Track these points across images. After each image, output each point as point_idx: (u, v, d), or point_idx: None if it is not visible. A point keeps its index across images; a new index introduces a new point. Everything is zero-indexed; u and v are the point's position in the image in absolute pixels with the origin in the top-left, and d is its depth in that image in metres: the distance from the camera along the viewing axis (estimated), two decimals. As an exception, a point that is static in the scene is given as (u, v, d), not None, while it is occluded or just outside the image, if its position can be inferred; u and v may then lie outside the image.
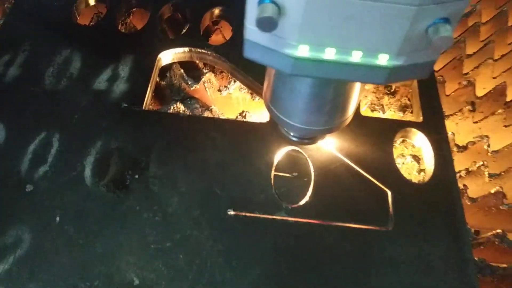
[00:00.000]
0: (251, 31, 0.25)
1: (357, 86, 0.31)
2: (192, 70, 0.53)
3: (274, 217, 0.38)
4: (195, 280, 0.36)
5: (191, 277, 0.36)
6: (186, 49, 0.49)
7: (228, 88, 0.54)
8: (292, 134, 0.37)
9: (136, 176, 0.40)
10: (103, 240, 0.37)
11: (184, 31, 0.51)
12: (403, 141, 0.48)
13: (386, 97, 0.53)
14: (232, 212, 0.38)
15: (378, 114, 0.53)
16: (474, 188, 0.47)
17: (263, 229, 0.38)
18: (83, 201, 0.38)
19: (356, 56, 0.24)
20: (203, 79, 0.51)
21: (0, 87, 0.45)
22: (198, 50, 0.49)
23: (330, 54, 0.24)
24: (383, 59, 0.24)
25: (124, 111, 0.44)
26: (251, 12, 0.23)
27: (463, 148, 0.49)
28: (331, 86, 0.30)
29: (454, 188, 0.42)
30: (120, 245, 0.36)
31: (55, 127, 0.43)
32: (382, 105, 0.52)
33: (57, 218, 0.37)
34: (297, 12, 0.22)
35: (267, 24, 0.22)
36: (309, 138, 0.38)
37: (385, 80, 0.25)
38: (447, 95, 0.53)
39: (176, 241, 0.37)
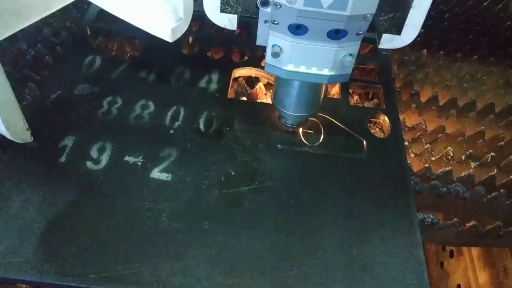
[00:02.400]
0: (268, 58, 0.59)
1: (319, 87, 0.66)
2: (249, 82, 0.88)
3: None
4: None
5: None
6: (248, 68, 0.85)
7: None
8: (285, 120, 0.72)
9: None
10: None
11: (246, 58, 0.88)
12: (375, 120, 0.82)
13: (366, 102, 0.88)
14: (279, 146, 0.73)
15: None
16: (416, 148, 0.81)
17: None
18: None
19: (314, 70, 0.59)
20: (256, 87, 0.86)
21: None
22: (255, 69, 0.85)
23: (302, 68, 0.59)
24: (325, 71, 0.59)
25: (217, 98, 0.79)
26: (268, 50, 0.58)
27: (410, 128, 0.84)
28: (304, 85, 0.65)
29: (401, 143, 0.76)
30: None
31: (185, 104, 0.77)
32: (364, 105, 0.87)
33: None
34: (287, 51, 0.57)
35: (275, 56, 0.57)
36: (297, 123, 0.72)
37: (327, 81, 0.59)
38: (403, 101, 0.88)
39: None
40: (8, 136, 0.63)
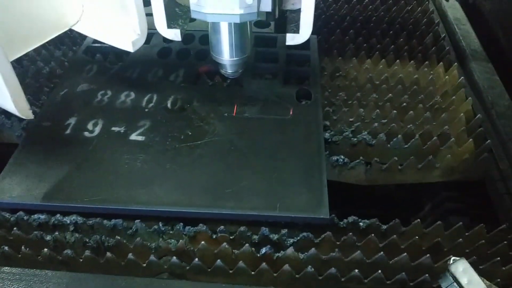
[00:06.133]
0: (192, 5, 0.80)
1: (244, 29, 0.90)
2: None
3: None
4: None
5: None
6: (207, 66, 1.13)
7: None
8: (224, 69, 0.96)
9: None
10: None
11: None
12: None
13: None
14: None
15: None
16: (336, 113, 1.05)
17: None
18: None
19: (227, 10, 0.78)
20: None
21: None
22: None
23: (219, 10, 0.79)
24: (236, 11, 0.79)
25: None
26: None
27: (334, 100, 1.08)
28: (230, 27, 0.87)
29: (319, 108, 1.00)
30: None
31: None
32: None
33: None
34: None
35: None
36: (235, 70, 0.97)
37: (239, 19, 0.79)
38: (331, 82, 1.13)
39: (203, 123, 0.96)
40: (17, 113, 0.87)
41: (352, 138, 0.98)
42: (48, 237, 0.80)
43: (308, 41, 1.17)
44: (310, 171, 0.86)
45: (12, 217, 0.83)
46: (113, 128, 0.95)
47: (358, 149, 0.99)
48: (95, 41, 1.20)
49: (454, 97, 1.06)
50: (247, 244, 0.77)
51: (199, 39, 1.21)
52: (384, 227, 0.83)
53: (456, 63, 1.17)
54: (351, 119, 1.03)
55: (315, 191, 0.83)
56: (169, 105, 1.01)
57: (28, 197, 0.82)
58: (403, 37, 1.27)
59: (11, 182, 0.84)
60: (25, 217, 0.82)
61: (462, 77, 1.11)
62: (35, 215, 0.82)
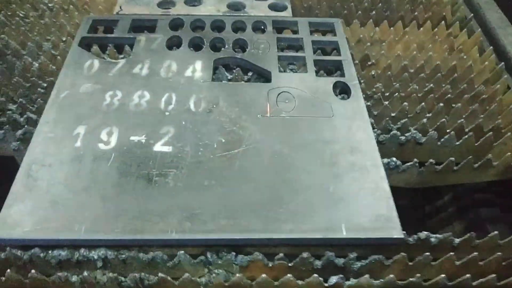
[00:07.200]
0: None
1: None
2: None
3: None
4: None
5: (246, 139, 0.82)
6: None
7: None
8: None
9: (214, 107, 0.87)
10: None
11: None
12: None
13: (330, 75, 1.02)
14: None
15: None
16: (377, 108, 0.94)
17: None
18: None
19: None
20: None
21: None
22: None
23: None
24: None
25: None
26: None
27: (371, 93, 0.97)
28: None
29: (362, 103, 0.89)
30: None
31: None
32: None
33: (182, 123, 0.84)
34: None
35: None
36: None
37: None
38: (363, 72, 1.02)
39: (237, 128, 0.83)
40: None
41: (400, 137, 0.89)
42: (74, 278, 0.66)
43: (332, 24, 1.07)
44: (371, 181, 0.76)
45: (25, 254, 0.68)
46: (132, 138, 0.81)
47: (406, 149, 0.90)
48: (90, 31, 1.03)
49: (498, 85, 0.98)
50: (315, 275, 0.66)
51: (210, 26, 1.07)
52: (457, 241, 0.74)
53: (491, 47, 1.08)
54: (393, 114, 0.93)
55: (380, 205, 0.73)
56: (192, 106, 0.87)
57: (45, 230, 0.68)
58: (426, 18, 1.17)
59: (21, 212, 0.69)
60: (42, 254, 0.68)
61: (502, 63, 1.03)
62: (55, 251, 0.68)
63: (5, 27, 1.07)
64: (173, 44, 1.02)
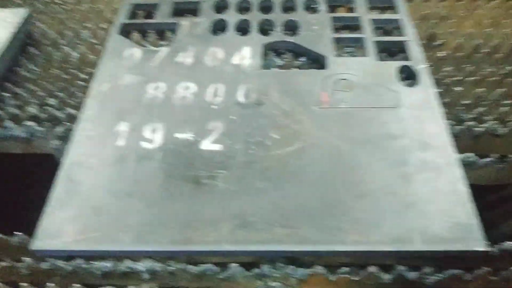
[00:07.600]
0: None
1: None
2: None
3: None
4: (303, 136, 0.73)
5: (302, 135, 0.73)
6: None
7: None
8: None
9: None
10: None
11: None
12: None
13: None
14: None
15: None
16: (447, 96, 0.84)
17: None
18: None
19: None
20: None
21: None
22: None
23: None
24: None
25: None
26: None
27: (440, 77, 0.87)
28: None
29: (432, 90, 0.79)
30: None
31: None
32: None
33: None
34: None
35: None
36: None
37: None
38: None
39: (291, 122, 0.75)
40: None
41: (475, 128, 0.78)
42: (121, 292, 0.61)
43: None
44: (446, 183, 0.67)
45: (68, 265, 0.64)
46: (177, 135, 0.74)
47: (482, 142, 0.79)
48: (130, 16, 0.97)
49: None
50: (386, 292, 0.59)
51: (258, 6, 0.98)
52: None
53: None
54: (466, 102, 0.82)
55: (458, 210, 0.64)
56: (241, 98, 0.80)
57: (88, 241, 0.62)
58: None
59: (62, 221, 0.64)
60: (85, 265, 0.64)
61: None
62: (100, 262, 0.63)
63: (42, 15, 1.02)
64: (218, 28, 0.94)
